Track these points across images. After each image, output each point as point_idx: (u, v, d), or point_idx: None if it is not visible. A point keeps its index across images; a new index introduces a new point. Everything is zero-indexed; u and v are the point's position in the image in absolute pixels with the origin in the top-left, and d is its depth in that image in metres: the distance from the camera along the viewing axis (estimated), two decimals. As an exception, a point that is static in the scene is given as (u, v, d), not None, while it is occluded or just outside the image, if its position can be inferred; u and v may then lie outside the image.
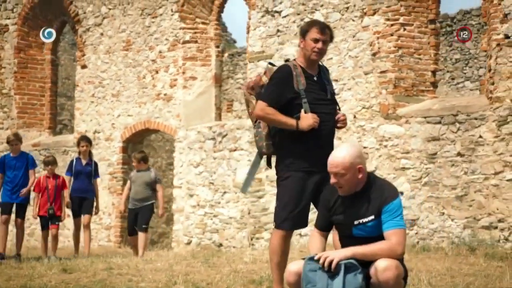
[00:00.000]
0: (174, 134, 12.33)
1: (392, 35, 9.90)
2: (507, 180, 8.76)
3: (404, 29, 9.92)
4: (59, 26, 14.83)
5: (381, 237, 4.01)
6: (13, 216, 9.90)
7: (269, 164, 5.10)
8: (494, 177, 8.90)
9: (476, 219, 9.05)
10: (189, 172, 11.99)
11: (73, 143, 13.05)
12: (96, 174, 10.51)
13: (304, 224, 4.90)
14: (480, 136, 9.05)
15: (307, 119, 4.77)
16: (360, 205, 4.10)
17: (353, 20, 10.24)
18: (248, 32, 11.45)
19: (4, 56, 14.83)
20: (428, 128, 9.49)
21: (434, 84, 10.14)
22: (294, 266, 4.09)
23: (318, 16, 10.55)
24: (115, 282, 6.29)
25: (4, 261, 9.01)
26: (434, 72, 10.09)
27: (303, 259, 4.05)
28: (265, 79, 5.00)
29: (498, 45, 8.93)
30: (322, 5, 10.53)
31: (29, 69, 14.76)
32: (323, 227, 4.33)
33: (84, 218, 10.31)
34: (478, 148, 9.06)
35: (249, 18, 11.38)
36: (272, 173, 10.86)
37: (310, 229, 10.00)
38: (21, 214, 9.85)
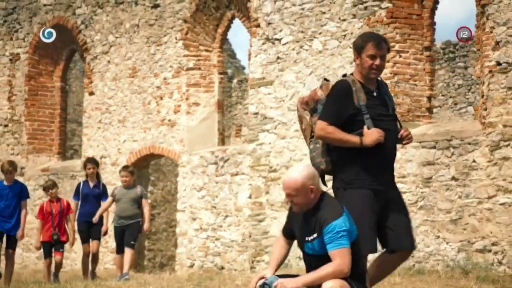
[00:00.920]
0: (178, 159, 12.59)
1: (388, 61, 10.11)
2: (500, 204, 8.90)
3: (400, 56, 10.15)
4: (68, 54, 15.22)
5: (328, 256, 4.18)
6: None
7: (323, 182, 4.75)
8: (487, 201, 9.04)
9: (470, 243, 9.18)
10: (192, 196, 12.22)
11: (80, 167, 13.32)
12: (105, 196, 10.16)
13: (374, 247, 4.59)
14: (474, 161, 9.21)
15: (372, 134, 4.60)
16: (309, 223, 4.29)
17: (350, 47, 10.46)
18: (249, 59, 11.74)
19: (15, 83, 15.21)
20: (423, 152, 9.66)
21: (430, 110, 10.33)
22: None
23: (316, 44, 10.81)
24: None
25: None
26: (429, 98, 10.29)
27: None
28: (320, 93, 4.80)
29: (490, 71, 9.12)
30: (320, 33, 10.79)
31: (39, 96, 15.12)
32: (287, 235, 4.53)
33: (92, 244, 10.05)
34: (472, 173, 9.22)
35: (251, 46, 11.66)
36: (272, 196, 11.10)
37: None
38: (12, 244, 9.43)
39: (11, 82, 15.26)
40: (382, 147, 4.65)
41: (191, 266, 12.11)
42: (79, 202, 10.13)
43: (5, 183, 9.50)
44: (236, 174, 11.67)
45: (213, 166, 11.99)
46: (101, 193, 10.15)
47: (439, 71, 15.96)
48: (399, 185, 10.02)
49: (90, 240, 10.09)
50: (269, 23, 11.37)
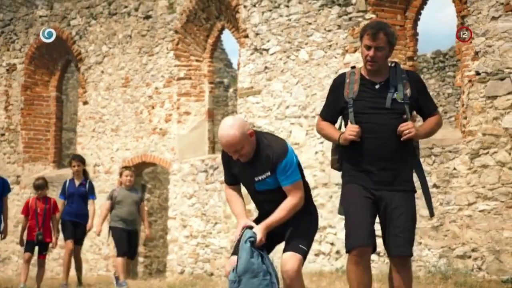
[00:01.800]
0: (169, 167, 12.81)
1: (371, 71, 10.33)
2: (480, 211, 9.09)
3: (383, 66, 10.35)
4: (64, 65, 15.47)
5: (280, 188, 4.39)
6: None
7: None
8: (467, 208, 9.22)
9: (451, 249, 9.36)
10: (183, 203, 12.42)
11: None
12: (91, 195, 9.82)
13: (357, 241, 4.41)
14: (454, 168, 9.40)
15: (346, 131, 4.48)
16: (256, 165, 4.40)
17: (336, 57, 10.69)
18: (238, 69, 11.97)
19: (12, 93, 15.46)
20: (405, 160, 9.84)
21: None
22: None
23: (302, 54, 11.03)
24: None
25: None
26: (412, 107, 10.48)
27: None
28: None
29: (469, 81, 9.33)
30: (306, 43, 11.01)
31: (35, 106, 15.37)
32: (233, 181, 4.62)
33: (75, 248, 9.76)
34: (452, 180, 9.41)
35: (239, 56, 11.89)
36: (260, 204, 11.29)
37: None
38: None
39: (8, 92, 15.52)
40: (368, 144, 4.44)
41: (182, 272, 12.30)
42: (65, 201, 9.80)
43: None
44: (225, 182, 11.87)
45: (203, 174, 12.20)
46: (87, 191, 9.78)
47: (429, 80, 16.17)
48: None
49: (73, 243, 9.74)
50: (257, 34, 11.60)
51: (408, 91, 4.49)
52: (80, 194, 9.73)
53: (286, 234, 4.45)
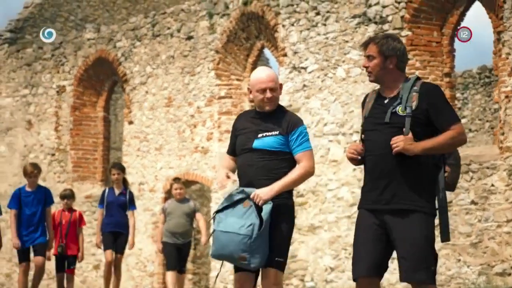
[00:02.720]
0: (210, 185, 12.98)
1: (408, 88, 10.32)
2: (519, 227, 8.98)
3: (420, 82, 10.34)
4: (110, 86, 15.87)
5: (276, 153, 4.51)
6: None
7: None
8: (506, 224, 9.13)
9: (490, 266, 9.26)
10: (224, 221, 12.55)
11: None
12: (132, 205, 9.54)
13: (359, 272, 4.22)
14: (492, 185, 9.32)
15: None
16: (268, 123, 4.57)
17: (372, 75, 10.72)
18: (277, 88, 12.10)
19: (62, 114, 15.91)
20: (443, 177, 9.78)
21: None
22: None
23: (340, 72, 11.10)
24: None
25: None
26: (450, 123, 10.42)
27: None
28: None
29: (506, 97, 9.25)
30: (343, 61, 11.08)
31: (83, 126, 15.78)
32: (233, 152, 4.78)
33: (116, 258, 9.45)
34: (490, 197, 9.32)
35: (279, 74, 12.03)
36: (299, 221, 11.34)
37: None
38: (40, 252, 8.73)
39: (58, 113, 15.98)
40: (369, 161, 4.26)
41: (224, 289, 12.43)
42: (104, 211, 9.53)
43: (27, 188, 8.81)
44: (265, 199, 11.96)
45: (244, 192, 12.32)
46: (127, 201, 9.51)
47: (475, 95, 16.03)
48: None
49: (114, 252, 9.50)
50: (295, 52, 11.73)
51: (414, 104, 4.20)
52: (119, 203, 9.49)
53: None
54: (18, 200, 8.66)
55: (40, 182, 14.87)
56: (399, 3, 10.48)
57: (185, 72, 13.58)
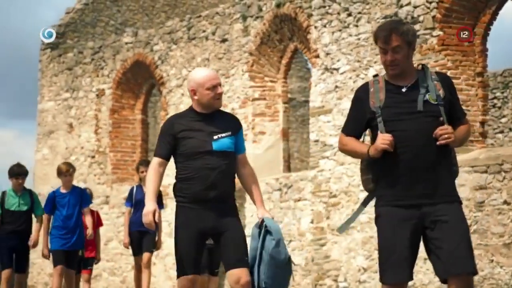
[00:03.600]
0: (245, 186, 13.09)
1: (440, 88, 10.30)
2: (552, 227, 8.90)
3: (452, 82, 10.30)
4: (148, 88, 16.14)
5: (231, 154, 4.61)
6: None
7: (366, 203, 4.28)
8: (539, 224, 9.05)
9: (523, 266, 9.19)
10: (259, 222, 12.67)
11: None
12: (160, 204, 8.74)
13: (404, 276, 4.02)
14: (525, 184, 9.25)
15: (376, 142, 4.00)
16: (216, 123, 4.60)
17: (404, 75, 10.72)
18: (310, 89, 12.18)
19: (101, 117, 16.24)
20: (475, 177, 9.75)
21: (483, 135, 10.42)
22: None
23: (371, 72, 11.12)
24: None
25: None
26: (482, 123, 10.37)
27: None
28: None
29: (538, 95, 9.17)
30: (375, 62, 11.10)
31: (122, 129, 16.07)
32: (167, 155, 4.72)
33: (143, 257, 9.25)
34: (523, 196, 9.25)
35: (311, 76, 12.10)
36: (332, 221, 11.40)
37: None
38: (76, 263, 8.68)
39: (97, 116, 16.30)
40: (401, 153, 3.97)
41: (259, 289, 12.53)
42: (132, 209, 9.28)
43: (62, 190, 8.56)
44: (299, 200, 12.06)
45: (278, 193, 12.43)
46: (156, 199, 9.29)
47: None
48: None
49: (141, 258, 9.34)
50: (327, 54, 11.79)
51: (441, 92, 4.03)
52: None
53: (225, 240, 4.52)
54: (52, 203, 8.42)
55: (81, 184, 15.31)
56: (430, 3, 10.45)
57: (219, 74, 13.74)
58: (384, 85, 4.10)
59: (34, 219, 8.88)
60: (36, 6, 58.93)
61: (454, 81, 10.46)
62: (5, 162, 61.60)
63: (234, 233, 4.46)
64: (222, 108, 4.82)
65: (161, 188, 9.23)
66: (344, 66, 11.53)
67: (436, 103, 4.01)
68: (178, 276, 4.46)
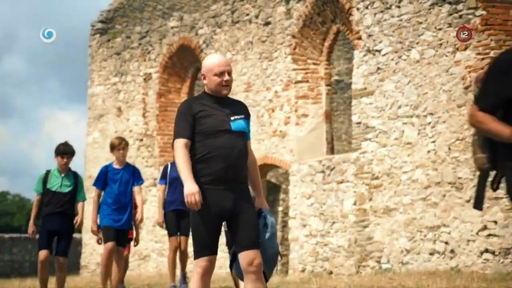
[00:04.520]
0: (289, 168, 13.21)
1: (483, 69, 10.17)
2: None
3: (495, 62, 10.16)
4: (194, 72, 16.32)
5: (246, 135, 4.69)
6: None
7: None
8: None
9: None
10: (302, 203, 12.78)
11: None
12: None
13: None
14: None
15: None
16: (231, 106, 4.67)
17: (446, 56, 10.63)
18: (352, 70, 12.17)
19: (148, 101, 16.51)
20: (518, 158, 9.62)
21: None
22: None
23: (413, 53, 11.05)
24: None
25: None
26: (526, 103, 10.20)
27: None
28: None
29: None
30: (417, 43, 11.02)
31: (169, 112, 16.32)
32: (191, 135, 4.58)
33: (181, 240, 8.95)
34: None
35: (354, 58, 12.08)
36: (375, 203, 11.41)
37: None
38: (124, 241, 8.26)
39: (145, 100, 16.58)
40: None
41: (303, 270, 12.66)
42: (167, 188, 8.95)
43: (115, 165, 8.18)
44: (342, 182, 12.10)
45: (321, 175, 12.49)
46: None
47: None
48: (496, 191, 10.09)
49: (179, 234, 8.98)
50: (369, 35, 11.74)
51: None
52: None
53: (240, 222, 4.55)
54: (104, 178, 8.06)
55: (129, 166, 15.63)
56: (473, -18, 10.32)
57: (263, 57, 13.82)
58: None
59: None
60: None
61: (497, 61, 10.35)
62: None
63: (248, 215, 4.55)
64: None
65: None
66: (386, 47, 11.48)
67: None
68: (196, 257, 4.56)
